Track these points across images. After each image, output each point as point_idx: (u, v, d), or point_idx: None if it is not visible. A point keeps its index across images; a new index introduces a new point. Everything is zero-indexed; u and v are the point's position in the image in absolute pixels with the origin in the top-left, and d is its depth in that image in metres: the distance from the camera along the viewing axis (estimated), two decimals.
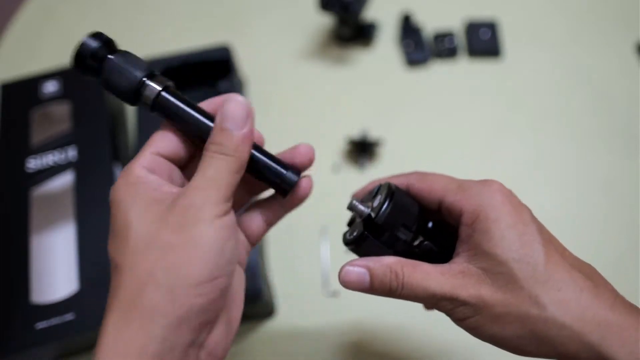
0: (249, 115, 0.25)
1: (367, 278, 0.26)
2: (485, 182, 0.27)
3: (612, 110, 0.57)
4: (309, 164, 0.29)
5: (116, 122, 0.53)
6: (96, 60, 0.26)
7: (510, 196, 0.26)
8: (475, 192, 0.26)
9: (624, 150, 0.54)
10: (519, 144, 0.56)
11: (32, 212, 0.45)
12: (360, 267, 0.26)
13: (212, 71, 0.56)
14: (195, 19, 0.68)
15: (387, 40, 0.64)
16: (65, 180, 0.46)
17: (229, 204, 0.24)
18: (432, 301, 0.26)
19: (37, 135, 0.49)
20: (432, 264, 0.26)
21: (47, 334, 0.40)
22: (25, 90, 0.52)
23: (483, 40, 0.62)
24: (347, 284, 0.27)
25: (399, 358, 0.45)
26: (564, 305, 0.24)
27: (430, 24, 0.64)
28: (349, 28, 0.61)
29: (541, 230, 0.26)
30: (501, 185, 0.27)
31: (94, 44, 0.26)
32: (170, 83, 0.27)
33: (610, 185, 0.52)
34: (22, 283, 0.42)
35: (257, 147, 0.27)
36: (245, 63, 0.62)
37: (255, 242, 0.30)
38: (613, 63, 0.60)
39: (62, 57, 0.62)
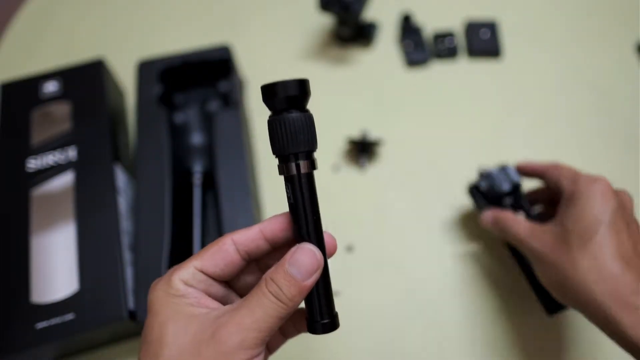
0: (317, 270, 0.25)
1: (491, 217, 0.43)
2: (594, 177, 0.36)
3: (612, 110, 0.57)
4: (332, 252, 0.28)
5: (116, 122, 0.53)
6: (287, 103, 0.25)
7: (607, 191, 0.35)
8: (582, 181, 0.36)
9: (624, 150, 0.54)
10: (519, 144, 0.56)
11: (32, 212, 0.45)
12: (490, 214, 0.43)
13: (212, 71, 0.56)
14: (195, 19, 0.68)
15: (387, 41, 0.64)
16: (65, 180, 0.46)
17: (263, 347, 0.24)
18: (515, 240, 0.40)
19: (37, 135, 0.49)
20: (528, 220, 0.40)
21: (47, 334, 0.40)
22: (25, 90, 0.52)
23: (483, 40, 0.62)
24: (483, 221, 0.44)
25: (398, 357, 0.45)
26: (596, 273, 0.33)
27: (430, 24, 0.64)
28: (349, 28, 0.61)
29: (615, 222, 0.34)
30: (606, 183, 0.36)
31: (295, 89, 0.25)
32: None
33: None
34: (22, 283, 0.42)
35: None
36: (245, 63, 0.62)
37: (273, 352, 0.30)
38: (613, 63, 0.60)
39: (62, 57, 0.62)
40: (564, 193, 0.37)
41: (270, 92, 0.25)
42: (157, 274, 0.42)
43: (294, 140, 0.25)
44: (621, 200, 0.35)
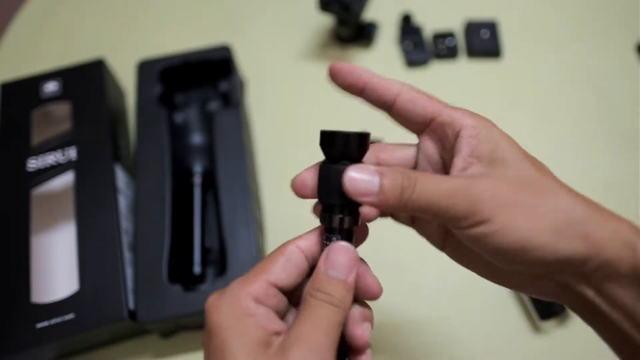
0: (355, 264, 0.24)
1: (376, 180, 0.23)
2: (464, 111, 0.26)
3: (612, 110, 0.57)
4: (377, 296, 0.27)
5: (116, 122, 0.53)
6: (343, 156, 0.24)
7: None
8: (473, 114, 0.26)
9: (624, 150, 0.54)
10: (518, 144, 0.56)
11: (32, 212, 0.45)
12: (367, 170, 0.23)
13: (212, 71, 0.56)
14: (195, 19, 0.68)
15: (387, 41, 0.64)
16: (65, 180, 0.46)
17: None
18: (446, 205, 0.23)
19: (37, 136, 0.49)
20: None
21: (47, 334, 0.40)
22: (25, 90, 0.52)
23: (483, 40, 0.62)
24: (353, 189, 0.23)
25: (398, 356, 0.45)
26: (592, 206, 0.23)
27: (430, 24, 0.64)
28: (349, 28, 0.61)
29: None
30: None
31: (355, 145, 0.24)
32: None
33: (610, 185, 0.52)
34: (22, 283, 0.42)
35: None
36: (245, 63, 0.62)
37: None
38: (613, 63, 0.60)
39: (62, 57, 0.62)
40: (461, 126, 0.26)
41: (328, 141, 0.25)
42: (157, 274, 0.42)
43: (343, 191, 0.24)
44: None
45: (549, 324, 0.45)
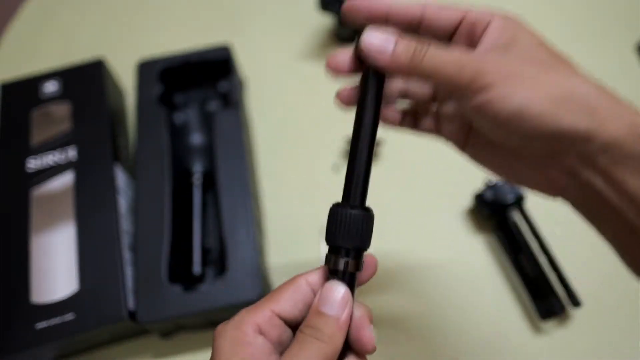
0: (348, 301, 0.24)
1: (392, 39, 0.25)
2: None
3: None
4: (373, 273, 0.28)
5: (116, 122, 0.53)
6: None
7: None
8: (500, 13, 0.27)
9: None
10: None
11: (32, 212, 0.45)
12: (387, 31, 0.25)
13: (212, 71, 0.56)
14: (195, 19, 0.68)
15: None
16: (65, 180, 0.46)
17: None
18: (452, 71, 0.24)
19: (37, 135, 0.49)
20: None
21: (47, 334, 0.40)
22: (25, 90, 0.52)
23: None
24: (369, 45, 0.25)
25: (398, 356, 0.45)
26: (604, 90, 0.23)
27: None
28: (349, 28, 0.61)
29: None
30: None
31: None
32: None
33: None
34: (22, 283, 0.42)
35: None
36: (245, 63, 0.62)
37: None
38: (613, 63, 0.60)
39: (62, 57, 0.62)
40: (491, 20, 0.26)
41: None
42: (157, 274, 0.42)
43: (349, 235, 0.25)
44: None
45: (549, 324, 0.45)
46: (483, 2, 0.69)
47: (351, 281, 0.25)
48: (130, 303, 0.42)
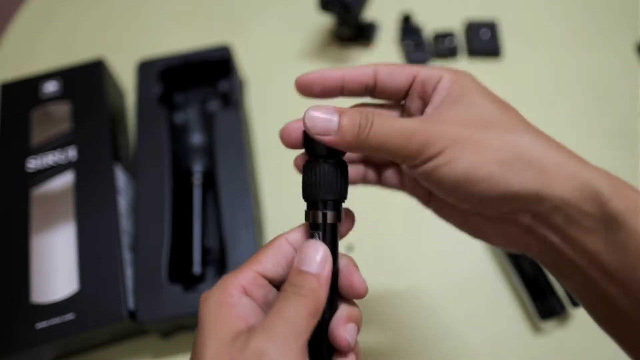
0: (327, 259, 0.24)
1: (335, 119, 0.24)
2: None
3: (612, 110, 0.57)
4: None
5: (116, 122, 0.53)
6: (325, 151, 0.25)
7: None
8: (451, 69, 0.26)
9: (624, 150, 0.54)
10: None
11: (32, 212, 0.45)
12: (328, 109, 0.25)
13: (212, 71, 0.56)
14: (195, 19, 0.68)
15: (387, 41, 0.64)
16: (65, 180, 0.46)
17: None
18: (400, 143, 0.23)
19: (37, 135, 0.49)
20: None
21: (47, 334, 0.40)
22: (25, 90, 0.52)
23: (483, 40, 0.62)
24: (313, 127, 0.24)
25: (398, 356, 0.45)
26: (553, 146, 0.23)
27: (430, 24, 0.64)
28: (349, 28, 0.61)
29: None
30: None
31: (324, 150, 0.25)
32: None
33: None
34: (22, 283, 0.42)
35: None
36: (245, 63, 0.62)
37: None
38: (613, 63, 0.60)
39: (62, 57, 0.62)
40: (439, 79, 0.26)
41: (309, 140, 0.25)
42: (157, 274, 0.42)
43: (325, 187, 0.25)
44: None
45: (549, 324, 0.45)
46: (484, 5, 0.69)
47: (333, 233, 0.26)
48: (130, 303, 0.42)
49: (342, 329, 0.25)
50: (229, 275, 0.25)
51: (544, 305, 0.44)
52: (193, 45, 0.56)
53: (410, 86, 0.27)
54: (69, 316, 0.40)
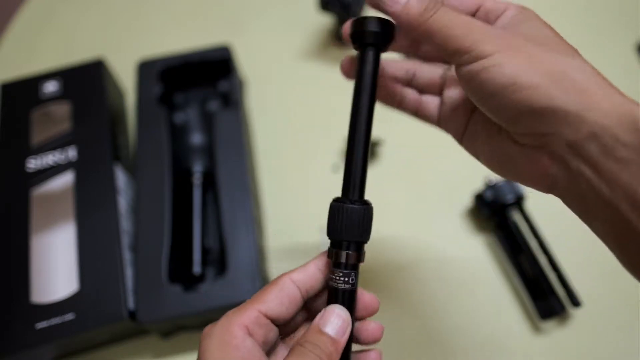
0: (348, 328, 0.26)
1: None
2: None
3: None
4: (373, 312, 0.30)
5: (116, 122, 0.53)
6: (373, 38, 0.28)
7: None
8: (516, 4, 0.27)
9: None
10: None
11: (32, 212, 0.45)
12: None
13: (212, 71, 0.56)
14: (195, 19, 0.68)
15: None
16: (65, 180, 0.46)
17: None
18: (458, 33, 0.24)
19: (37, 135, 0.49)
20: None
21: (47, 334, 0.40)
22: (25, 90, 0.52)
23: None
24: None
25: (398, 356, 0.45)
26: (600, 76, 0.23)
27: None
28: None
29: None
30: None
31: (378, 27, 0.28)
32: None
33: None
34: (22, 283, 0.42)
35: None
36: (245, 63, 0.62)
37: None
38: (613, 63, 0.60)
39: (62, 57, 0.62)
40: (507, 7, 0.27)
41: (360, 24, 0.28)
42: (157, 274, 0.42)
43: (349, 228, 0.26)
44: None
45: (549, 324, 0.45)
46: None
47: (354, 272, 0.26)
48: (130, 303, 0.42)
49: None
50: (233, 312, 0.25)
51: (544, 305, 0.44)
52: (193, 45, 0.56)
53: (474, 13, 0.28)
54: (69, 316, 0.40)
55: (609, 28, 0.63)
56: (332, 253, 0.26)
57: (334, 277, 0.26)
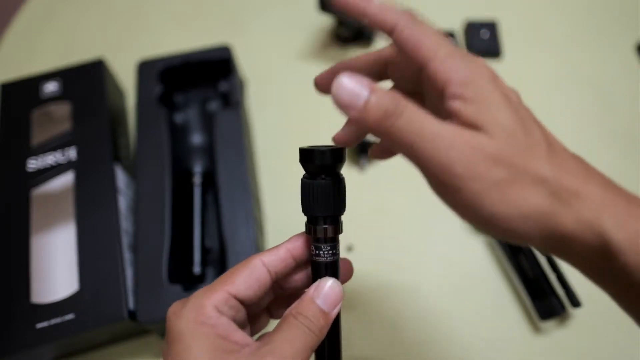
0: (340, 302, 0.26)
1: (365, 93, 0.22)
2: (472, 58, 0.25)
3: (612, 110, 0.57)
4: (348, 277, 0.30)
5: (116, 122, 0.53)
6: (320, 170, 0.26)
7: (497, 78, 0.25)
8: (463, 65, 0.24)
9: (624, 150, 0.54)
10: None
11: (32, 212, 0.45)
12: (361, 81, 0.22)
13: (212, 71, 0.56)
14: (195, 19, 0.68)
15: (386, 41, 0.63)
16: (65, 180, 0.46)
17: None
18: (426, 153, 0.22)
19: (37, 136, 0.49)
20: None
21: (47, 334, 0.40)
22: (25, 90, 0.52)
23: (483, 41, 0.62)
24: (338, 96, 0.22)
25: (398, 356, 0.45)
26: (570, 168, 0.23)
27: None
28: (349, 28, 0.61)
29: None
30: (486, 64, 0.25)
31: (330, 160, 0.26)
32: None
33: None
34: (22, 283, 0.42)
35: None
36: (245, 63, 0.62)
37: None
38: (613, 63, 0.60)
39: (62, 57, 0.62)
40: (448, 82, 0.23)
41: (306, 157, 0.26)
42: (157, 274, 0.42)
43: (323, 204, 0.26)
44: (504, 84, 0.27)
45: (549, 324, 0.45)
46: (484, 5, 0.70)
47: (333, 245, 0.27)
48: (130, 303, 0.42)
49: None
50: (201, 293, 0.25)
51: (544, 305, 0.44)
52: (193, 45, 0.56)
53: (421, 71, 0.25)
54: (69, 316, 0.40)
55: (609, 28, 0.63)
56: (311, 229, 0.27)
57: (315, 252, 0.27)
